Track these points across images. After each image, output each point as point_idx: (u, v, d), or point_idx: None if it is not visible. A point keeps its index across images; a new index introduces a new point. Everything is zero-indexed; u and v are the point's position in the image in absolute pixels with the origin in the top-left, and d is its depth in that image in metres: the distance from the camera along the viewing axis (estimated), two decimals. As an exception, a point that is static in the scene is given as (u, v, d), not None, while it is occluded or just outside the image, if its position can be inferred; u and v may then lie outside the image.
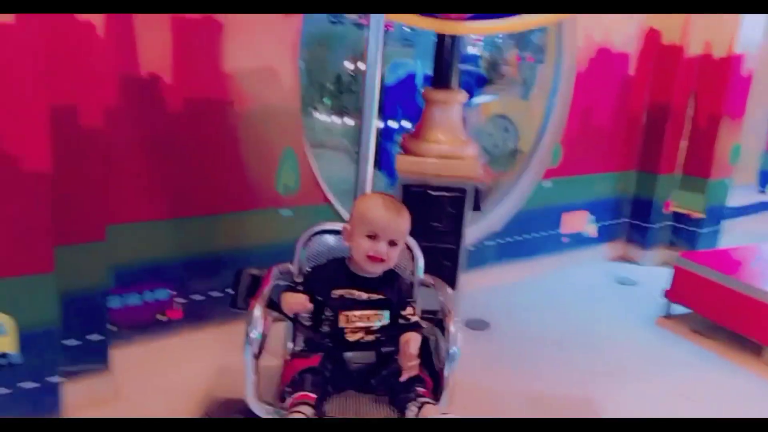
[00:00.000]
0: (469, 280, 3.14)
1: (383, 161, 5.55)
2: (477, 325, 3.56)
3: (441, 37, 2.86)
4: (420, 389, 1.83)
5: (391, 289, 1.96)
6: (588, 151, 4.44)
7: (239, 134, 3.02)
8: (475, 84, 5.79)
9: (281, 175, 3.19)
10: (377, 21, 2.35)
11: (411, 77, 5.70)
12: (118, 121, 2.61)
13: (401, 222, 1.94)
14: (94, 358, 2.60)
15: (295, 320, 2.00)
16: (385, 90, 5.61)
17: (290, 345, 2.12)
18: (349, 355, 1.89)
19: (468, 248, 3.10)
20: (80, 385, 2.54)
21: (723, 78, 4.46)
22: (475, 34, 4.87)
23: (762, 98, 5.28)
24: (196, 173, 2.94)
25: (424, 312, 2.03)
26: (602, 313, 3.88)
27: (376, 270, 1.94)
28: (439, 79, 2.92)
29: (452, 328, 1.92)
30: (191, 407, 2.58)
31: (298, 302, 1.87)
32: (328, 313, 1.91)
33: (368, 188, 2.50)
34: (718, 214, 4.80)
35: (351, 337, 1.90)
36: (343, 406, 1.85)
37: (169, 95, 2.79)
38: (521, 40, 5.81)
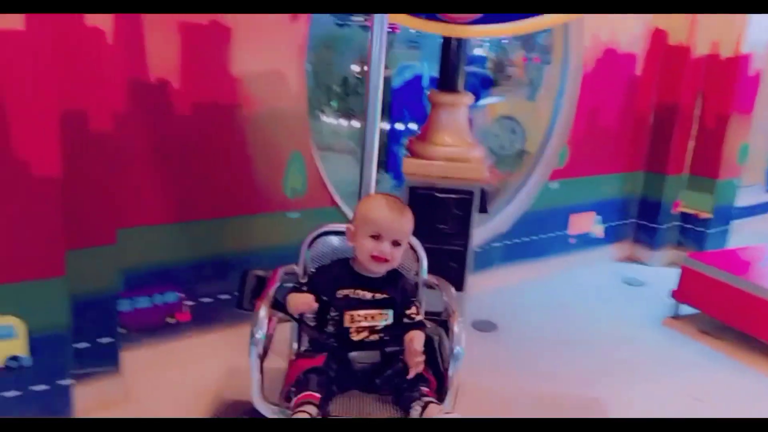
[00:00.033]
0: (477, 281, 3.15)
1: (390, 163, 5.57)
2: (484, 326, 3.57)
3: (447, 40, 2.86)
4: (424, 389, 1.84)
5: (395, 289, 1.97)
6: (595, 152, 4.44)
7: (247, 138, 3.04)
8: (482, 85, 5.79)
9: (288, 178, 3.21)
10: (380, 22, 2.36)
11: (418, 79, 5.71)
12: (127, 126, 2.64)
13: (404, 222, 1.95)
14: (105, 360, 2.62)
15: (300, 321, 2.01)
16: (392, 92, 5.65)
17: (295, 345, 2.14)
18: (353, 354, 1.90)
19: (475, 250, 3.10)
20: (91, 387, 2.56)
21: (730, 78, 4.45)
22: (481, 37, 4.87)
23: (770, 98, 5.25)
24: (205, 177, 2.96)
25: (428, 314, 2.04)
26: (610, 313, 3.88)
27: (380, 270, 1.95)
28: (445, 81, 2.93)
29: (456, 327, 1.93)
30: (200, 409, 2.60)
31: (304, 302, 1.89)
32: (332, 313, 1.93)
33: (372, 189, 2.51)
34: (726, 214, 4.79)
35: (356, 337, 1.91)
36: (348, 406, 1.87)
37: (178, 99, 2.81)
38: (527, 41, 5.80)
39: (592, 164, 4.46)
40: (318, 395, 1.76)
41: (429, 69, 5.52)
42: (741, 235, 4.91)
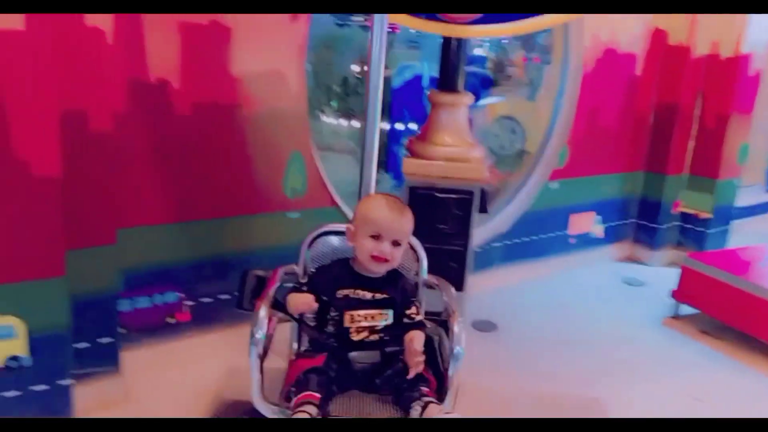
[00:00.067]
0: (477, 281, 3.15)
1: (390, 163, 5.57)
2: (484, 326, 3.57)
3: (447, 40, 2.87)
4: (424, 389, 1.84)
5: (395, 289, 1.98)
6: (595, 152, 4.44)
7: (247, 138, 3.04)
8: (482, 85, 5.79)
9: (288, 178, 3.21)
10: (380, 22, 2.36)
11: (418, 79, 5.71)
12: (127, 126, 2.64)
13: (404, 222, 1.96)
14: (105, 360, 2.63)
15: (300, 321, 2.01)
16: (392, 92, 5.65)
17: (295, 345, 2.14)
18: (353, 355, 1.90)
19: (475, 250, 3.10)
20: (91, 387, 2.56)
21: (730, 78, 4.45)
22: (481, 37, 4.87)
23: (770, 97, 5.26)
24: (205, 177, 2.96)
25: (428, 314, 2.04)
26: (610, 313, 3.88)
27: (380, 270, 1.96)
28: (445, 81, 2.93)
29: (456, 327, 1.93)
30: (200, 409, 2.60)
31: (304, 302, 1.89)
32: (332, 313, 1.93)
33: (372, 189, 2.51)
34: (727, 214, 4.79)
35: (356, 337, 1.92)
36: (348, 406, 1.87)
37: (178, 99, 2.82)
38: (527, 40, 5.81)
39: (592, 164, 4.46)
40: (318, 395, 1.76)
41: (429, 69, 5.52)
42: (741, 235, 4.91)
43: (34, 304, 2.28)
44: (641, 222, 4.81)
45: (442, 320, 2.02)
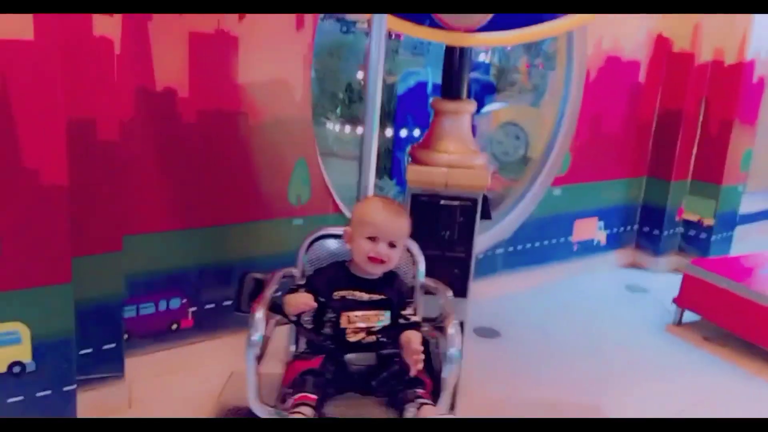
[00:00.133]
0: (479, 288, 3.15)
1: (395, 170, 5.59)
2: (487, 333, 3.58)
3: (450, 48, 2.88)
4: (419, 391, 1.86)
5: (391, 290, 2.00)
6: (598, 158, 4.45)
7: (252, 145, 3.06)
8: (485, 92, 5.81)
9: (293, 185, 3.23)
10: (379, 26, 2.37)
11: (422, 86, 5.73)
12: (134, 134, 2.67)
13: (400, 223, 1.98)
14: (109, 366, 2.64)
15: (297, 323, 2.02)
16: (397, 99, 5.67)
17: (292, 347, 2.15)
18: (349, 357, 1.92)
19: (478, 256, 3.11)
20: (95, 393, 2.58)
21: (734, 84, 4.46)
22: (485, 45, 4.88)
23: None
24: (210, 184, 2.98)
25: (425, 320, 2.05)
26: (612, 320, 3.88)
27: (376, 271, 1.98)
28: (449, 88, 2.94)
29: (451, 330, 1.92)
30: (204, 414, 2.62)
31: (303, 301, 1.90)
32: (329, 314, 1.94)
33: (370, 193, 2.52)
34: (730, 220, 4.79)
35: (352, 338, 1.93)
36: (343, 408, 1.88)
37: (184, 108, 2.83)
38: (531, 47, 5.83)
39: (595, 170, 4.47)
40: (314, 397, 1.78)
41: (434, 76, 5.54)
42: (745, 242, 4.90)
43: (40, 310, 2.29)
44: (644, 228, 4.81)
45: (438, 325, 2.03)
